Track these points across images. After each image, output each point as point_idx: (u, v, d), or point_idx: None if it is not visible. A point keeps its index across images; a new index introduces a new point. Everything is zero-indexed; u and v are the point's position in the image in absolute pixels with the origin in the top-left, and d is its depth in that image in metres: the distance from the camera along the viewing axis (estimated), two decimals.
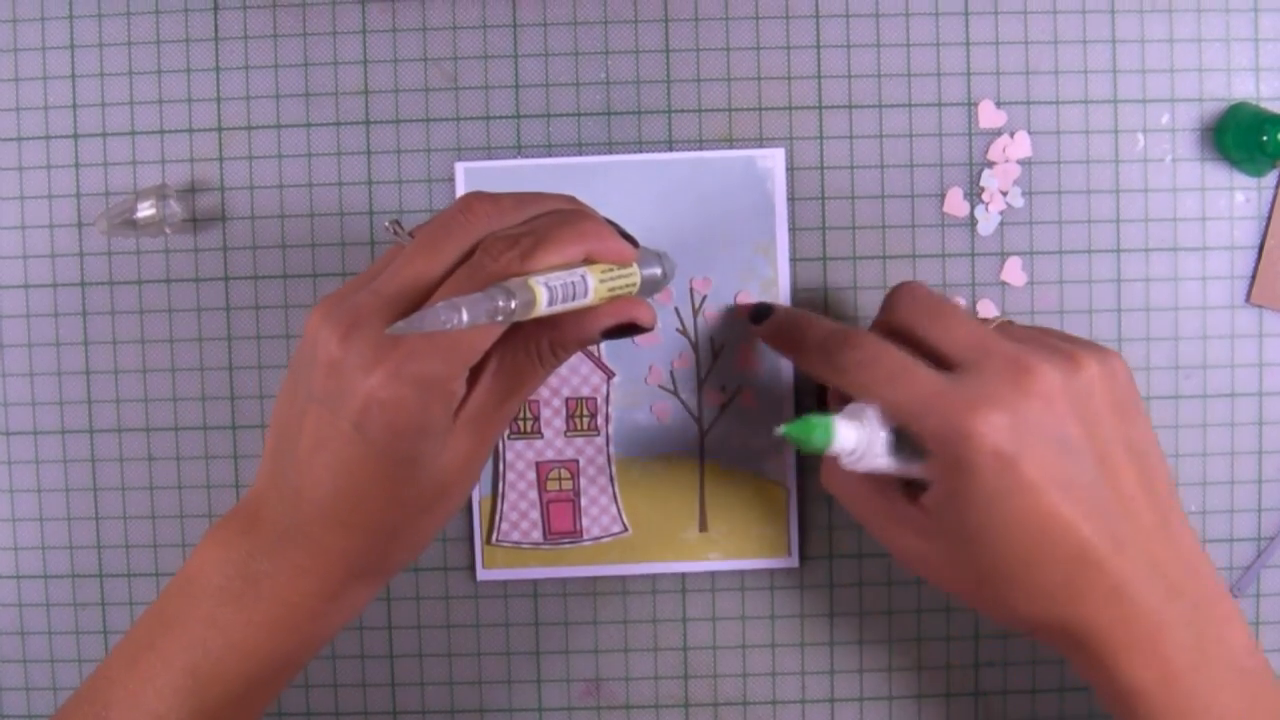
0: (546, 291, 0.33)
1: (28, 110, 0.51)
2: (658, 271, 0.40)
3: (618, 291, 0.37)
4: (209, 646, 0.36)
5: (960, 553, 0.37)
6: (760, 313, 0.46)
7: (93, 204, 0.51)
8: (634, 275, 0.38)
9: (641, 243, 0.41)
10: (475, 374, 0.37)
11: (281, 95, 0.50)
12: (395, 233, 0.38)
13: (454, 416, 0.37)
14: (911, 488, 0.39)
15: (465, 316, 0.30)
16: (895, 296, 0.41)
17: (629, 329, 0.38)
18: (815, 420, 0.37)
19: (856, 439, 0.37)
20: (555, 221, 0.37)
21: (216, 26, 0.50)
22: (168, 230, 0.50)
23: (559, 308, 0.34)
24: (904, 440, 0.38)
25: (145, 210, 0.49)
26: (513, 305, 0.32)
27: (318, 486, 0.36)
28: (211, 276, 0.51)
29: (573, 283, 0.34)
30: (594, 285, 0.35)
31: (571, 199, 0.40)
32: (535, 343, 0.37)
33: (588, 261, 0.36)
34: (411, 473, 0.36)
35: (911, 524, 0.39)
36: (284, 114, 0.50)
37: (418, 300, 0.35)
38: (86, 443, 0.51)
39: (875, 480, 0.39)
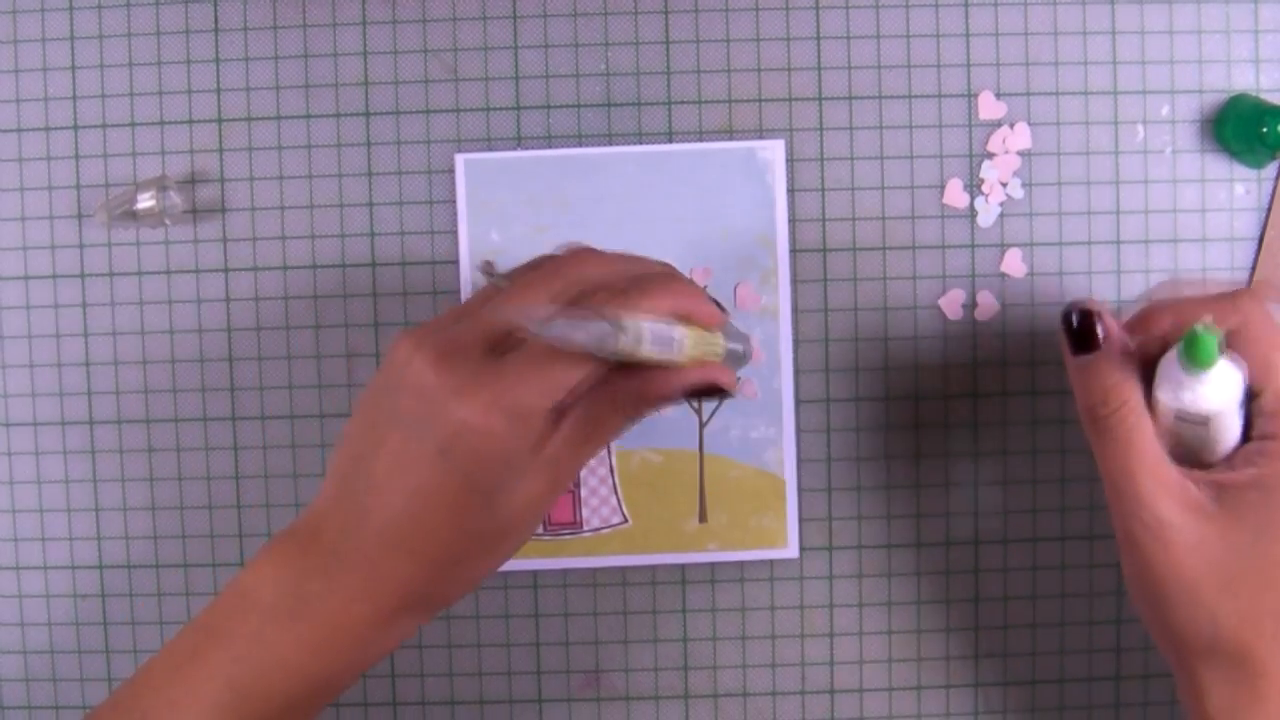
0: (650, 334, 0.34)
1: (28, 102, 0.51)
2: (739, 348, 0.41)
3: (704, 355, 0.38)
4: (254, 662, 0.36)
5: (1246, 543, 0.37)
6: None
7: (93, 195, 0.51)
8: (719, 344, 0.39)
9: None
10: (559, 416, 0.37)
11: (281, 87, 0.50)
12: (489, 274, 0.39)
13: (535, 454, 0.37)
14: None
15: (584, 336, 0.32)
16: None
17: (710, 391, 0.38)
18: (1206, 339, 0.36)
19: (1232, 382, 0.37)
20: (655, 280, 0.37)
21: (216, 18, 0.50)
22: (168, 222, 0.50)
23: (653, 354, 0.35)
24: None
25: (145, 202, 0.49)
26: (619, 340, 0.33)
27: (388, 509, 0.36)
28: (211, 268, 0.51)
29: (670, 335, 0.35)
30: (687, 343, 0.36)
31: (670, 266, 0.41)
32: (621, 394, 0.37)
33: (683, 321, 0.37)
34: (486, 506, 0.36)
35: (1197, 496, 0.38)
36: (284, 105, 0.50)
37: (519, 336, 0.36)
38: (86, 434, 0.51)
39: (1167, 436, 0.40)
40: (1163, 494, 0.38)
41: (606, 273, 0.38)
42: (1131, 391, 0.39)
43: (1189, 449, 0.39)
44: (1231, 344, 0.39)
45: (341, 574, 0.36)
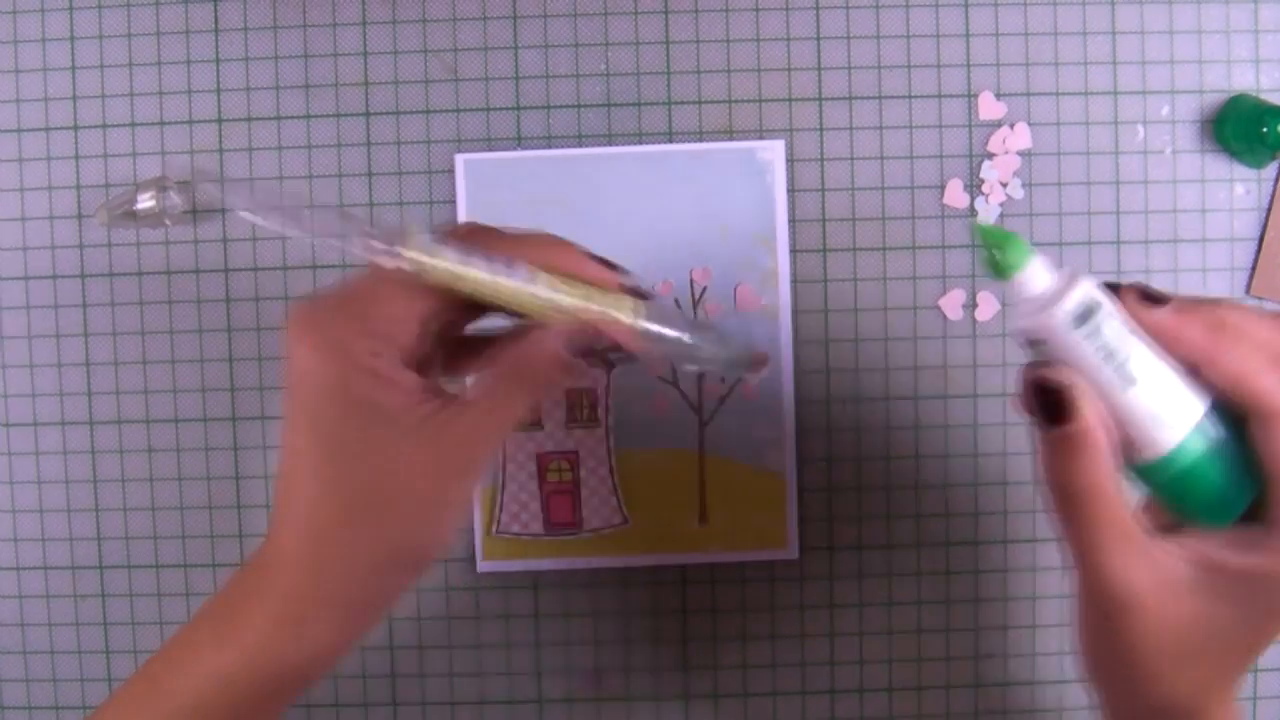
0: (429, 237, 0.33)
1: (28, 102, 0.51)
2: (685, 336, 0.36)
3: (598, 311, 0.35)
4: (186, 677, 0.36)
5: (1225, 626, 0.34)
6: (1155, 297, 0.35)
7: (93, 196, 0.51)
8: (622, 306, 0.35)
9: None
10: (457, 397, 0.36)
11: (281, 87, 0.50)
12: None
13: (413, 419, 0.35)
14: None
15: (311, 222, 0.31)
16: None
17: (602, 354, 0.36)
18: (1015, 239, 0.31)
19: (1051, 287, 0.31)
20: (534, 237, 0.36)
21: (216, 18, 0.50)
22: (168, 222, 0.50)
23: (482, 275, 0.33)
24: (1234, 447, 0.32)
25: (145, 202, 0.49)
26: (379, 238, 0.32)
27: (277, 478, 0.36)
28: (211, 268, 0.51)
29: (500, 262, 0.34)
30: (531, 274, 0.34)
31: (557, 236, 0.38)
32: (508, 362, 0.36)
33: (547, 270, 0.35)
34: (349, 464, 0.34)
35: (1174, 570, 0.34)
36: (284, 106, 0.50)
37: (360, 288, 0.35)
38: (86, 434, 0.51)
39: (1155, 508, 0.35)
40: (1135, 568, 0.34)
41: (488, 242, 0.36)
42: (1109, 474, 0.33)
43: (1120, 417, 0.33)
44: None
45: (260, 580, 0.36)
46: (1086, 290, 0.31)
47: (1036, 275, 0.32)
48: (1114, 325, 0.32)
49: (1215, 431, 0.33)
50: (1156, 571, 0.34)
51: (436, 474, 0.36)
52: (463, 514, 0.37)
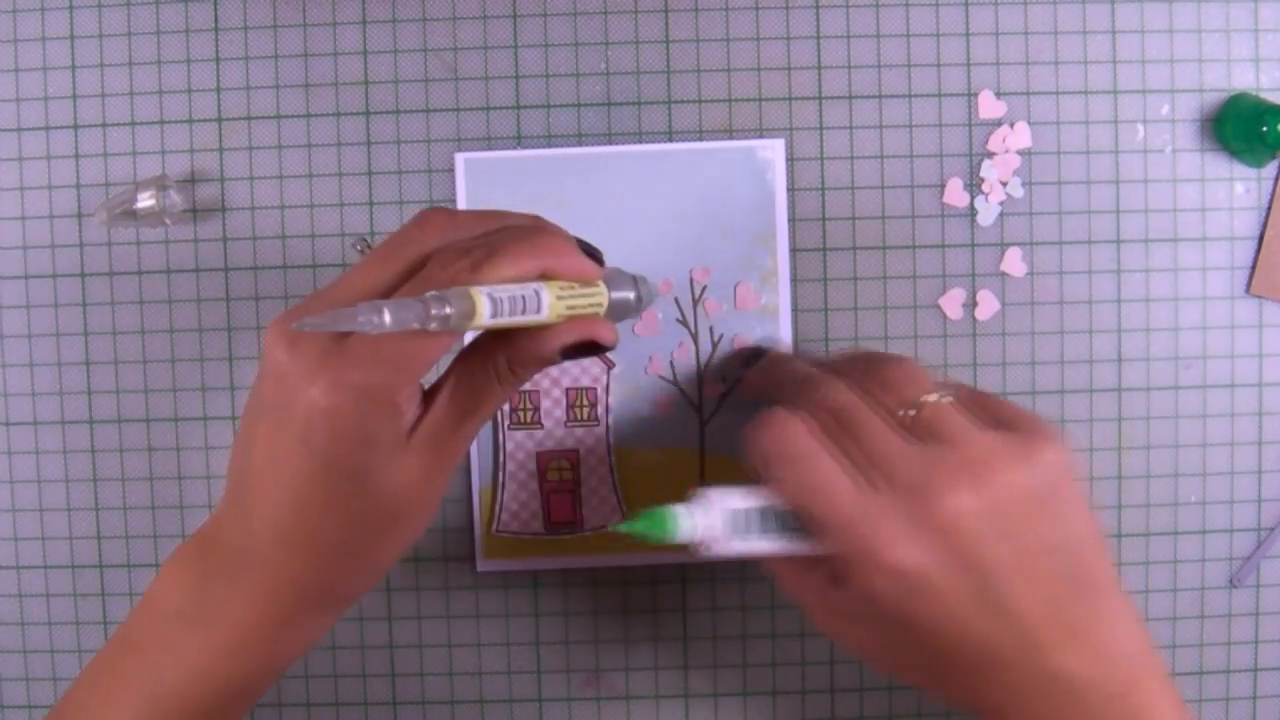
0: (489, 303, 0.32)
1: (28, 101, 0.51)
2: (630, 295, 0.39)
3: (579, 310, 0.36)
4: (165, 671, 0.36)
5: (885, 639, 0.37)
6: (751, 357, 0.44)
7: (93, 195, 0.51)
8: (600, 295, 0.37)
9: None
10: (433, 392, 0.36)
11: (281, 86, 0.50)
12: (362, 251, 0.37)
13: (407, 434, 0.36)
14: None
15: (388, 319, 0.29)
16: (830, 386, 0.39)
17: (590, 348, 0.37)
18: (656, 512, 0.36)
19: (705, 527, 0.36)
20: (511, 235, 0.35)
21: (216, 17, 0.50)
22: (168, 221, 0.50)
23: (507, 321, 0.33)
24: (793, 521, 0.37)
25: (145, 201, 0.49)
26: (447, 312, 0.30)
27: (268, 503, 0.35)
28: (211, 267, 0.51)
29: (523, 296, 0.33)
30: (549, 301, 0.34)
31: (536, 217, 0.38)
32: (493, 361, 0.36)
33: (545, 277, 0.35)
34: (359, 489, 0.35)
35: (838, 607, 0.37)
36: (284, 105, 0.50)
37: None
38: (86, 433, 0.51)
39: (803, 563, 0.38)
40: (826, 613, 0.39)
41: (461, 235, 0.36)
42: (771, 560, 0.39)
43: None
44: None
45: (239, 573, 0.36)
46: (728, 511, 0.37)
47: (685, 524, 0.37)
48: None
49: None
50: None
51: (430, 481, 0.37)
52: (438, 503, 0.38)
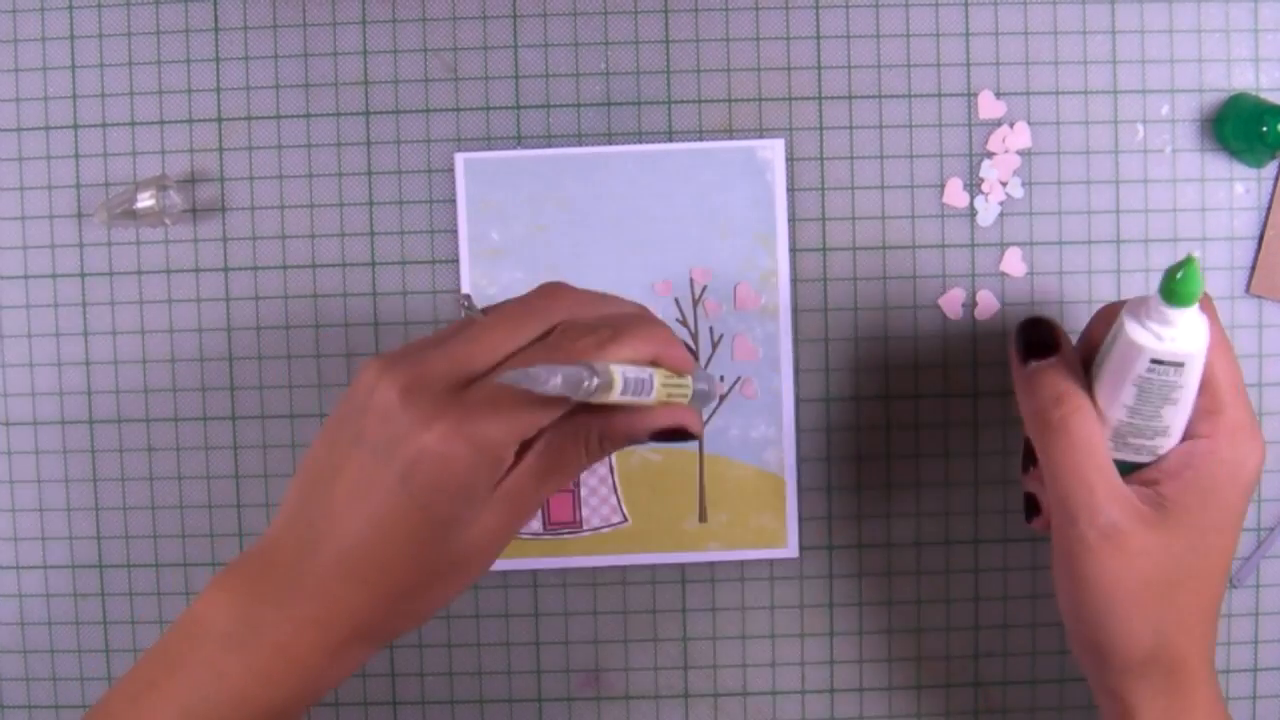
0: (622, 380, 0.34)
1: (27, 101, 0.51)
2: (704, 387, 0.41)
3: (674, 398, 0.38)
4: (206, 691, 0.36)
5: (1184, 549, 0.39)
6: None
7: (92, 195, 0.51)
8: (688, 386, 0.39)
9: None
10: (521, 450, 0.37)
11: (281, 86, 0.50)
12: (466, 307, 0.38)
13: (494, 487, 0.36)
14: None
15: (559, 381, 0.31)
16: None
17: (677, 434, 0.38)
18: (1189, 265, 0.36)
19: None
20: (630, 321, 0.37)
21: (216, 17, 0.50)
22: (167, 221, 0.50)
23: (626, 399, 0.35)
24: None
25: (145, 201, 0.49)
26: (594, 384, 0.32)
27: (345, 535, 0.35)
28: (211, 267, 0.51)
29: (641, 379, 0.35)
30: (657, 386, 0.36)
31: (642, 307, 0.40)
32: (586, 431, 0.37)
33: (654, 364, 0.37)
34: (444, 538, 0.36)
35: (1142, 505, 0.39)
36: (284, 105, 0.50)
37: (489, 370, 0.35)
38: (86, 433, 0.51)
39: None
40: (1115, 499, 0.39)
41: (582, 313, 0.37)
42: (1084, 396, 0.40)
43: (1136, 428, 0.39)
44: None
45: (294, 602, 0.36)
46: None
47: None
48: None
49: None
50: (1131, 504, 0.39)
51: (502, 535, 0.37)
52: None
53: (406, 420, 0.34)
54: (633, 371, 0.35)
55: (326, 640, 0.36)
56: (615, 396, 0.34)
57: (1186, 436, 0.40)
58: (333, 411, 0.37)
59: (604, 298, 0.39)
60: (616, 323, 0.37)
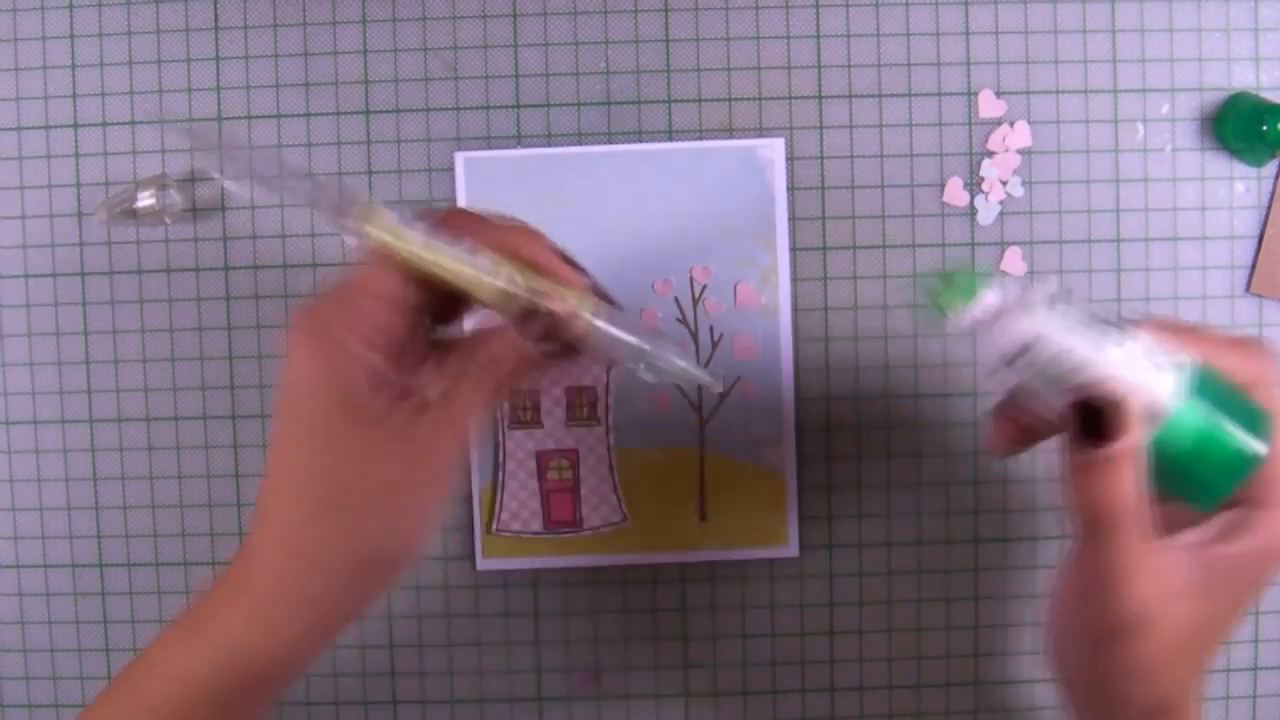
0: (395, 215, 0.34)
1: (27, 100, 0.51)
2: (634, 340, 0.36)
3: (544, 293, 0.35)
4: (158, 672, 0.37)
5: (1213, 614, 0.36)
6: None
7: (92, 194, 0.51)
8: (584, 307, 0.35)
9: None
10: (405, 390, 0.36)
11: (281, 85, 0.50)
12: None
13: (396, 415, 0.35)
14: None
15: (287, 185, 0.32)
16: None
17: (563, 346, 0.36)
18: (959, 274, 0.33)
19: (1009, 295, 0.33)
20: (491, 220, 0.36)
21: (216, 16, 0.50)
22: (167, 220, 0.50)
23: (439, 257, 0.34)
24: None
25: (145, 200, 0.49)
26: (336, 196, 0.33)
27: (271, 457, 0.36)
28: (211, 266, 0.51)
29: (465, 250, 0.34)
30: (507, 272, 0.34)
31: (531, 229, 0.38)
32: (471, 357, 0.36)
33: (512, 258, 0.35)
34: (336, 461, 0.35)
35: (1183, 578, 0.35)
36: (284, 104, 0.50)
37: (355, 281, 0.35)
38: (86, 432, 0.51)
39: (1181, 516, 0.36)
40: (1153, 585, 0.35)
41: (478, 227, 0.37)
42: (1141, 499, 0.34)
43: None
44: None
45: (237, 584, 0.37)
46: (1049, 282, 0.33)
47: (991, 295, 0.34)
48: (1083, 306, 0.33)
49: (1203, 403, 0.34)
50: (1165, 583, 0.35)
51: (412, 478, 0.36)
52: (435, 522, 0.37)
53: (290, 343, 0.35)
54: (443, 236, 0.34)
55: (256, 606, 0.36)
56: (386, 225, 0.34)
57: (1247, 499, 0.35)
58: None
59: (499, 223, 0.37)
60: (488, 227, 0.36)
